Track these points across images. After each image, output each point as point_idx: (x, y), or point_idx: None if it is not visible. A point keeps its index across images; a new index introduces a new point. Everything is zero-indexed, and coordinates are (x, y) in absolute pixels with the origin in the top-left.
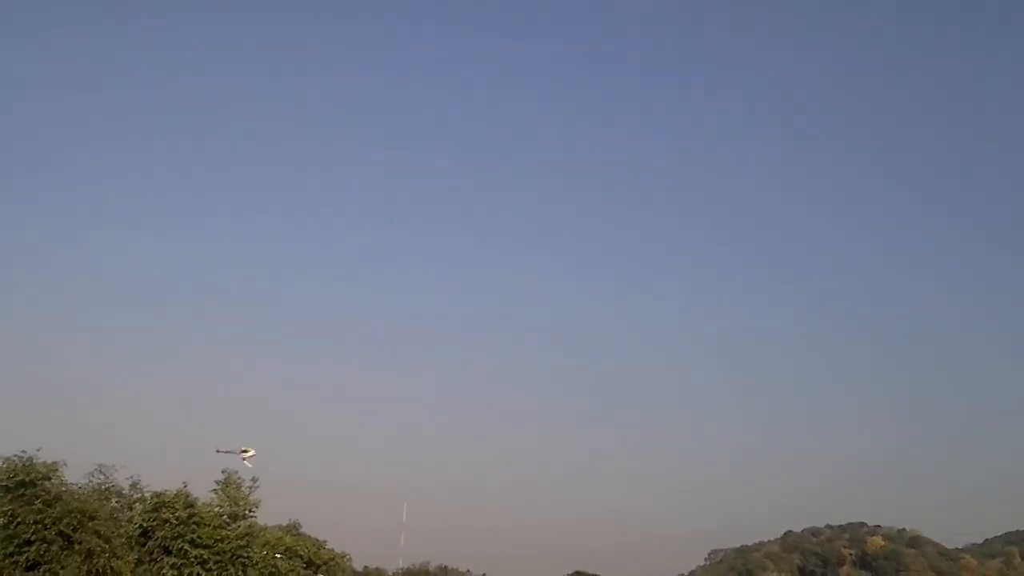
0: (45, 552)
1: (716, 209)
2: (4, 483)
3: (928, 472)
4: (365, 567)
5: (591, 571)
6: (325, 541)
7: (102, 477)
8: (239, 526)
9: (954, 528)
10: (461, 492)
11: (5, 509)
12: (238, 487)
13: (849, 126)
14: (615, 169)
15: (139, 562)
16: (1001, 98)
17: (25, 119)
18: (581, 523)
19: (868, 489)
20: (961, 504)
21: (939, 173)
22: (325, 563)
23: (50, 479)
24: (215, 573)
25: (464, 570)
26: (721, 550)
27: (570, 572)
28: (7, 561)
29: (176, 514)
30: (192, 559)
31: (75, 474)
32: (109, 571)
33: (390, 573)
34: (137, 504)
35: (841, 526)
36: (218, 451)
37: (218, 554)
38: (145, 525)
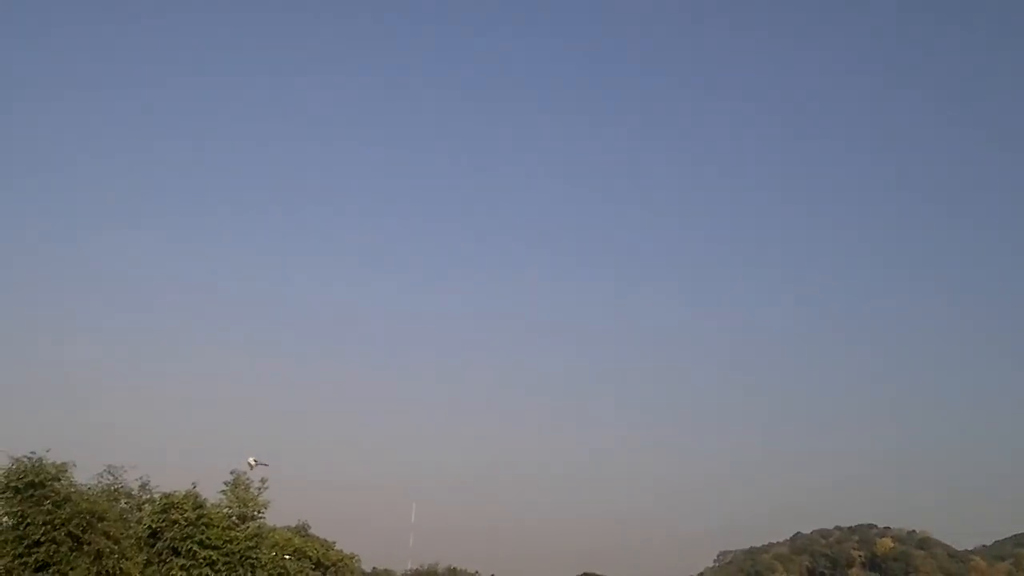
0: (54, 553)
1: (716, 209)
2: (14, 484)
3: (938, 474)
4: (374, 568)
5: (599, 572)
6: (334, 542)
7: (111, 478)
8: (248, 527)
9: (964, 530)
10: (468, 492)
11: (15, 510)
12: (247, 488)
13: (849, 126)
14: (615, 169)
15: (148, 563)
16: (1002, 98)
17: (25, 119)
18: (588, 523)
19: (877, 491)
20: (971, 506)
21: (939, 173)
22: (334, 564)
23: (59, 480)
24: (224, 574)
25: (473, 571)
26: (730, 551)
27: (578, 573)
28: (17, 562)
29: (185, 515)
30: (201, 560)
31: (84, 475)
32: (118, 572)
33: (399, 574)
34: (146, 505)
35: (850, 527)
36: (252, 461)
37: (227, 555)
38: (154, 526)
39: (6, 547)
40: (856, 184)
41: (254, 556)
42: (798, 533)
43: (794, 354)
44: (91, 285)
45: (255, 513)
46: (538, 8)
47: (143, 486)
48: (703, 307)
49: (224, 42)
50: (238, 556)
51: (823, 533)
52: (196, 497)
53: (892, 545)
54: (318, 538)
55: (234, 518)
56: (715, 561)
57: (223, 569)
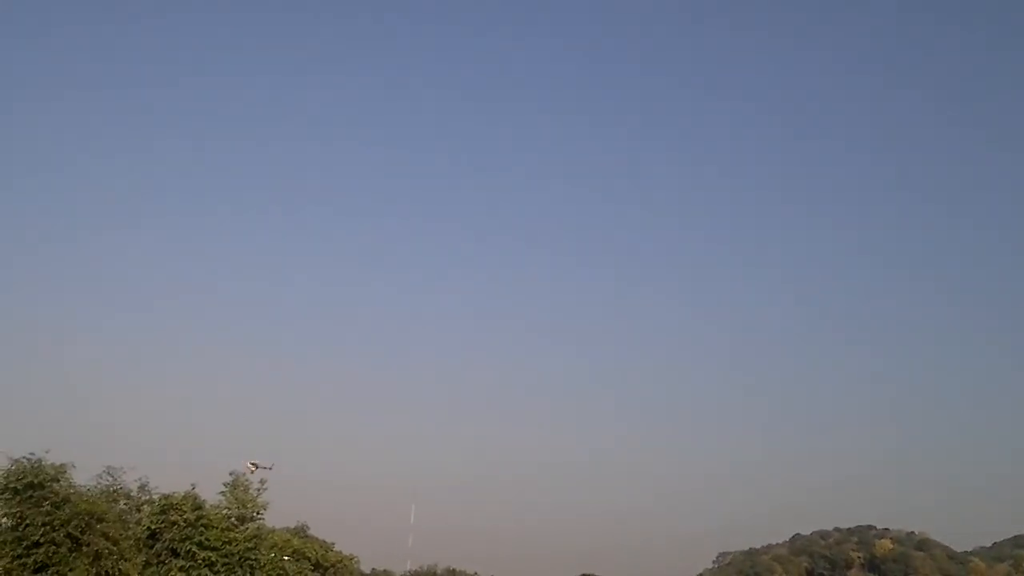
0: (53, 554)
1: (716, 209)
2: (13, 485)
3: (937, 475)
4: (373, 569)
5: (598, 572)
6: (333, 543)
7: (110, 479)
8: (247, 528)
9: (963, 531)
10: (467, 492)
11: (14, 511)
12: (246, 489)
13: (849, 126)
14: (615, 169)
15: (147, 564)
16: (1002, 97)
17: (24, 119)
18: (587, 524)
19: (876, 492)
20: (970, 507)
21: (938, 173)
22: (333, 565)
23: (58, 481)
24: (223, 575)
25: (472, 572)
26: (729, 552)
27: (577, 574)
28: (16, 563)
29: (184, 516)
30: (200, 561)
31: (83, 476)
32: (117, 573)
33: (398, 575)
34: (145, 506)
35: (849, 529)
36: (251, 464)
37: (226, 556)
38: (153, 527)
39: (5, 548)
40: (856, 184)
41: (253, 557)
42: (797, 534)
43: (793, 355)
44: (93, 285)
45: (254, 514)
46: (538, 8)
47: (142, 487)
48: (702, 307)
49: (224, 42)
50: (237, 557)
51: (822, 534)
52: (195, 498)
53: (891, 546)
54: (317, 539)
55: (233, 519)
56: (714, 562)
57: (222, 570)
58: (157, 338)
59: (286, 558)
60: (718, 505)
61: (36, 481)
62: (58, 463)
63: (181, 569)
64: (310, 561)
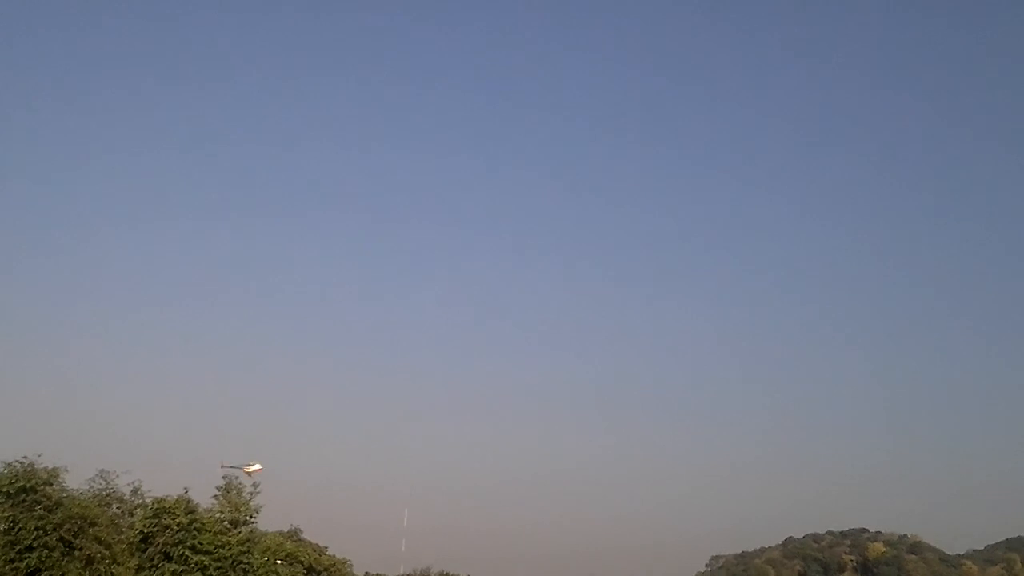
0: (46, 558)
1: (717, 211)
2: (5, 489)
3: (929, 478)
4: (366, 573)
5: None
6: (326, 547)
7: (103, 483)
8: (240, 532)
9: (955, 534)
10: (460, 496)
11: (6, 515)
12: (239, 493)
13: (850, 128)
14: (615, 171)
15: (139, 568)
16: (1001, 99)
17: (27, 120)
18: (579, 528)
19: (869, 495)
20: (962, 510)
21: (939, 175)
22: (326, 569)
23: (51, 485)
24: None
25: (466, 575)
26: (722, 556)
27: None
28: (8, 567)
29: (177, 520)
30: (193, 565)
31: (76, 480)
32: None
33: None
34: (138, 510)
35: (842, 532)
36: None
37: (219, 560)
38: (146, 531)
39: None
40: (854, 185)
41: (246, 561)
42: (790, 537)
43: (786, 359)
44: (90, 287)
45: (247, 518)
46: (539, 10)
47: (135, 491)
48: (701, 310)
49: (230, 44)
50: (230, 561)
51: (815, 537)
52: (188, 502)
53: (884, 549)
54: (310, 543)
55: (226, 523)
56: (707, 565)
57: (215, 574)
58: (151, 340)
59: (279, 562)
60: (711, 508)
61: (28, 485)
62: (51, 467)
63: (174, 573)
64: (303, 565)
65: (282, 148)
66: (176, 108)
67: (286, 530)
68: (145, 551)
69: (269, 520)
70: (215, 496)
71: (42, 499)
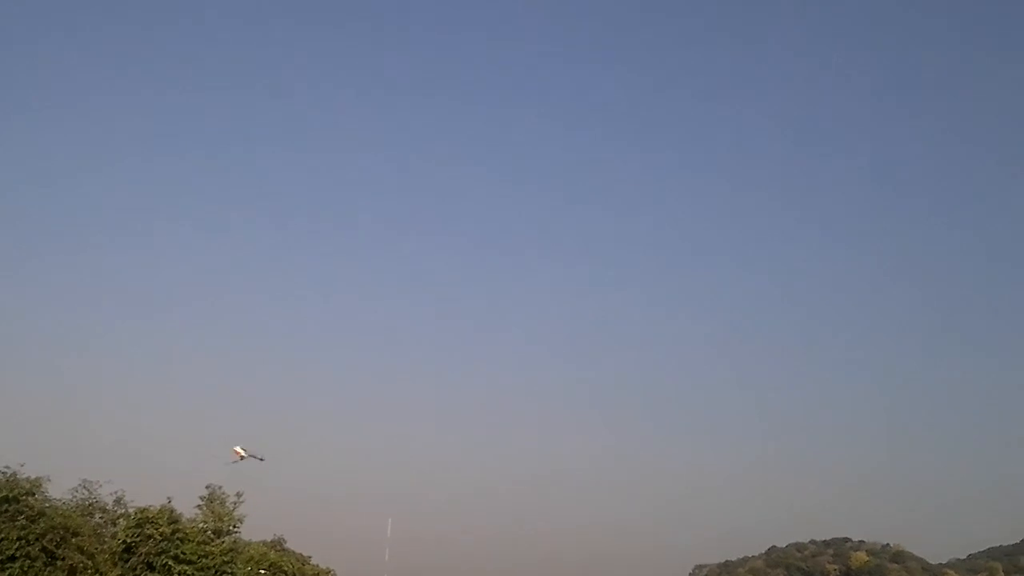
0: (28, 568)
1: (711, 217)
2: None
3: (912, 488)
4: None
5: None
6: (310, 556)
7: (86, 493)
8: (223, 542)
9: (938, 543)
10: (443, 505)
11: None
12: (222, 503)
13: (846, 132)
14: (615, 176)
15: None
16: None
17: (29, 127)
18: (564, 537)
19: (852, 504)
20: (945, 519)
21: (939, 182)
22: None
23: (33, 495)
24: None
25: None
26: (706, 565)
27: None
28: None
29: (160, 530)
30: (176, 575)
31: (58, 489)
32: None
33: None
34: (121, 520)
35: (825, 541)
36: (241, 452)
37: (202, 570)
38: (129, 541)
39: None
40: (853, 192)
41: (229, 571)
42: (773, 547)
43: (782, 371)
44: (86, 294)
45: (230, 528)
46: (539, 16)
47: (118, 500)
48: (693, 320)
49: (232, 52)
50: (213, 571)
51: (798, 547)
52: (171, 512)
53: (867, 559)
54: (294, 552)
55: (209, 533)
56: (691, 574)
57: None
58: (136, 349)
59: (263, 571)
60: (695, 518)
61: (11, 495)
62: (33, 477)
63: None
64: (287, 574)
65: (287, 157)
66: (176, 113)
67: (270, 540)
68: (128, 561)
69: (253, 530)
70: (198, 506)
71: (24, 509)
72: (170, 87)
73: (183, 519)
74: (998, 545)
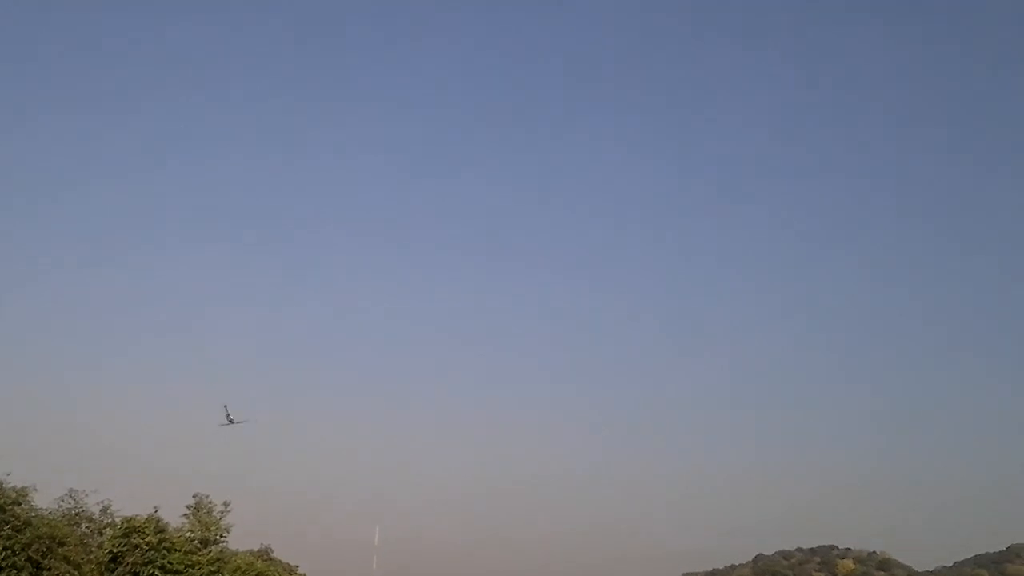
0: None
1: (708, 224)
2: None
3: (899, 495)
4: None
5: None
6: (297, 566)
7: (72, 502)
8: (210, 551)
9: (925, 551)
10: (430, 514)
11: None
12: (209, 512)
13: (849, 139)
14: (610, 184)
15: None
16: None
17: (31, 139)
18: (553, 544)
19: (839, 512)
20: (932, 527)
21: (938, 190)
22: None
23: (20, 504)
24: None
25: None
26: (693, 573)
27: None
28: None
29: (147, 539)
30: None
31: (45, 499)
32: None
33: None
34: (107, 529)
35: (812, 549)
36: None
37: None
38: (115, 551)
39: None
40: (847, 200)
41: None
42: (760, 555)
43: (770, 378)
44: (76, 301)
45: (217, 537)
46: (540, 26)
47: (104, 510)
48: (680, 327)
49: (231, 62)
50: None
51: (785, 554)
52: (158, 521)
53: (853, 566)
54: (281, 562)
55: (196, 542)
56: None
57: None
58: (125, 357)
59: None
60: (682, 526)
61: None
62: (19, 486)
63: None
64: None
65: (288, 164)
66: (178, 118)
67: (257, 549)
68: (115, 571)
69: (240, 539)
70: (185, 515)
71: (10, 519)
72: (174, 92)
73: (170, 528)
74: (984, 552)
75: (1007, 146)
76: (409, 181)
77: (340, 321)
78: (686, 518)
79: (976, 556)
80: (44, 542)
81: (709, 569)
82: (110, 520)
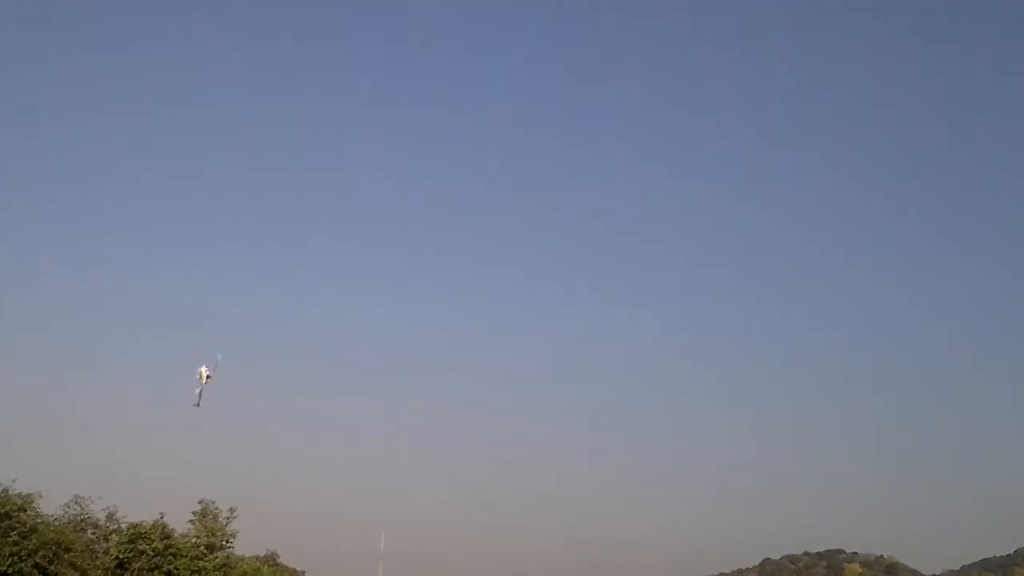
0: None
1: (704, 231)
2: None
3: (906, 499)
4: None
5: None
6: (303, 571)
7: (78, 508)
8: (216, 557)
9: (932, 555)
10: (436, 520)
11: None
12: (215, 517)
13: (848, 142)
14: (604, 189)
15: None
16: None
17: (31, 139)
18: (557, 552)
19: (846, 517)
20: (938, 531)
21: (938, 193)
22: None
23: (26, 511)
24: None
25: None
26: None
27: None
28: None
29: (153, 545)
30: None
31: (51, 505)
32: None
33: None
34: (113, 535)
35: (819, 553)
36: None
37: None
38: (121, 556)
39: None
40: (849, 206)
41: None
42: (767, 559)
43: (772, 382)
44: (77, 307)
45: (223, 543)
46: (539, 32)
47: (110, 516)
48: (681, 333)
49: (231, 67)
50: None
51: (792, 559)
52: (164, 527)
53: (860, 571)
54: (287, 567)
55: (202, 548)
56: None
57: None
58: (128, 364)
59: None
60: (689, 531)
61: (3, 511)
62: (25, 492)
63: None
64: None
65: (288, 171)
66: (178, 118)
67: (263, 555)
68: None
69: (246, 545)
70: (191, 521)
71: (17, 525)
72: (177, 103)
73: (176, 534)
74: (992, 556)
75: (1007, 146)
76: (409, 181)
77: (340, 321)
78: (693, 524)
79: (983, 560)
80: (50, 548)
81: (716, 573)
82: (116, 526)
